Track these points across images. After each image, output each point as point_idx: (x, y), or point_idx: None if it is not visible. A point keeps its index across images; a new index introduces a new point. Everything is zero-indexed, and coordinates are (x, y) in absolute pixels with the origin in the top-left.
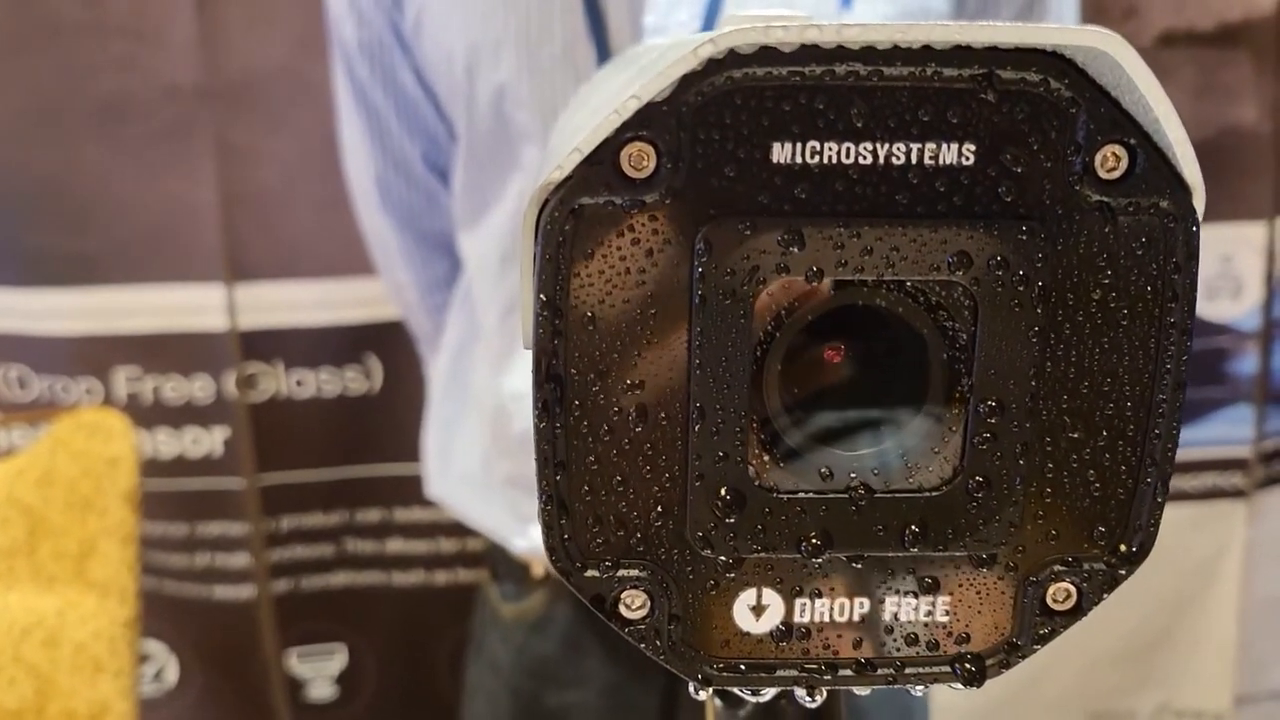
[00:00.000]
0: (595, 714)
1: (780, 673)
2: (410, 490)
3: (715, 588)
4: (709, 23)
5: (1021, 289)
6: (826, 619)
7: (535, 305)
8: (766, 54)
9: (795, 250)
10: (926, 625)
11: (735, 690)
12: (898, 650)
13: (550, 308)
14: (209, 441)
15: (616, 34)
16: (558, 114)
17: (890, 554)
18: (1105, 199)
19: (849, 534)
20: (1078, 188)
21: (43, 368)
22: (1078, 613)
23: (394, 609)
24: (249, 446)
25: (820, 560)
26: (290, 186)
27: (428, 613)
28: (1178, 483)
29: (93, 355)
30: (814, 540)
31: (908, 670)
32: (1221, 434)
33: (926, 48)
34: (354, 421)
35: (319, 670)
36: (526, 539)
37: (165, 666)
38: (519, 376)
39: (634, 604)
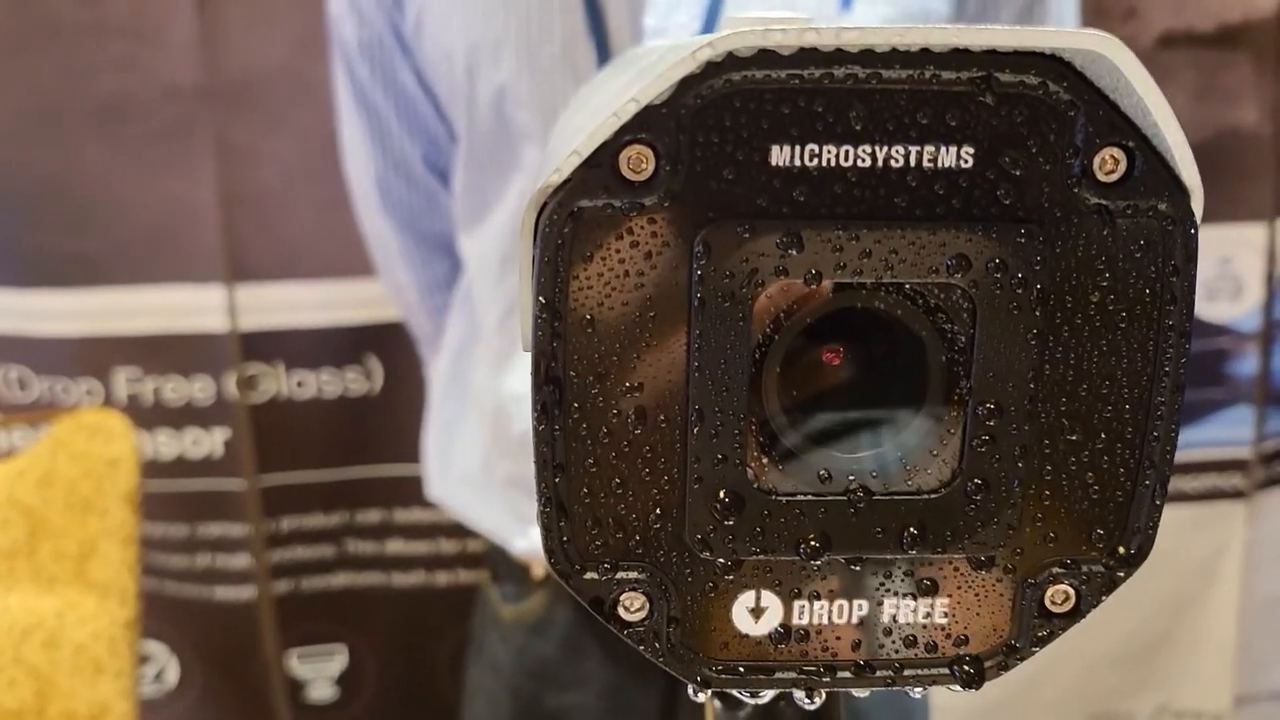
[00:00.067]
0: (595, 715)
1: (779, 674)
2: (411, 491)
3: (714, 590)
4: (709, 25)
5: (1020, 291)
6: (825, 621)
7: (534, 308)
8: (765, 57)
9: (794, 253)
10: (925, 627)
11: (734, 692)
12: (896, 652)
13: (549, 310)
14: (209, 442)
15: (616, 34)
16: (558, 114)
17: (889, 556)
18: (1104, 202)
19: (847, 536)
20: (1076, 190)
21: (43, 368)
22: (1076, 615)
23: (394, 610)
24: (249, 447)
25: (819, 562)
26: (290, 187)
27: (428, 614)
28: (1178, 484)
29: (93, 356)
30: (813, 542)
31: (906, 672)
32: (1221, 435)
33: (925, 51)
34: (354, 422)
35: (319, 671)
36: (527, 540)
37: (166, 667)
38: (519, 377)
39: (633, 606)
